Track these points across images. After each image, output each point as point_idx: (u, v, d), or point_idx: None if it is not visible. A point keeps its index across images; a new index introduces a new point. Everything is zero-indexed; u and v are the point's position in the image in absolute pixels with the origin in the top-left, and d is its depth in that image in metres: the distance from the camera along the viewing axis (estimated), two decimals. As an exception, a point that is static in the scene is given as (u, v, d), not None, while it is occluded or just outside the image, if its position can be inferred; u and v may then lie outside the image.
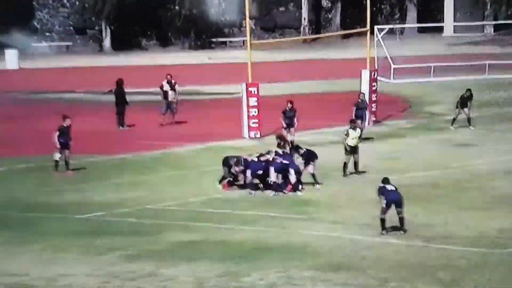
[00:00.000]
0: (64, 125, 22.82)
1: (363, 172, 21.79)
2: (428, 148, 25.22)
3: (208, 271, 14.82)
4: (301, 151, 20.59)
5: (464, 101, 28.08)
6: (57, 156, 22.55)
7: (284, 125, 25.10)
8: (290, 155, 20.61)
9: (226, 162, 20.77)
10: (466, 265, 15.02)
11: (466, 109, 28.00)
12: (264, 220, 18.10)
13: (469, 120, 28.11)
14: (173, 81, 29.95)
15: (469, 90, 28.42)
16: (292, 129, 24.98)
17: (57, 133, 22.58)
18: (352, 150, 21.50)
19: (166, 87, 29.76)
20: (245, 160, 20.51)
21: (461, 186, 20.49)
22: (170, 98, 29.62)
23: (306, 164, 20.46)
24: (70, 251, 16.25)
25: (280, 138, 21.59)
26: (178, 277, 14.61)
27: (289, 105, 25.46)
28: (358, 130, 21.83)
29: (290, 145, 22.25)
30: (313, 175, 20.51)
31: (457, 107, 28.21)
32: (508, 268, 14.82)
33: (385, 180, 17.02)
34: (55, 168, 22.56)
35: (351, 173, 21.50)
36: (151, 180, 21.70)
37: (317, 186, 20.46)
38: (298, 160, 20.43)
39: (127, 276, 14.72)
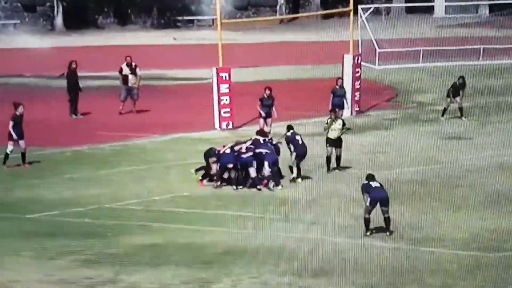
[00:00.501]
0: (17, 113, 22.80)
1: (347, 167, 22.00)
2: (416, 141, 25.47)
3: (174, 278, 14.92)
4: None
5: (457, 89, 28.38)
6: (9, 148, 22.53)
7: (263, 114, 25.21)
8: (271, 144, 20.64)
9: (208, 154, 20.73)
10: (457, 270, 15.28)
11: (458, 98, 28.31)
12: (236, 220, 18.22)
13: (461, 110, 28.44)
14: (133, 64, 29.66)
15: (462, 77, 28.72)
16: (269, 120, 25.08)
17: (12, 123, 22.54)
18: (333, 143, 21.68)
19: (126, 70, 29.52)
20: (218, 151, 20.59)
21: (452, 183, 20.76)
22: (130, 84, 29.40)
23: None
24: (20, 255, 16.27)
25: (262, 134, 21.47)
26: (140, 284, 14.70)
27: (267, 92, 25.57)
28: (340, 121, 21.96)
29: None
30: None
31: (448, 96, 28.50)
32: (502, 273, 15.09)
33: (370, 177, 17.23)
34: (4, 162, 22.51)
35: (333, 169, 21.70)
36: (109, 176, 21.72)
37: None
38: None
39: (83, 283, 14.78)
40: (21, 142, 22.59)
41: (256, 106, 25.47)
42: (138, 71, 29.71)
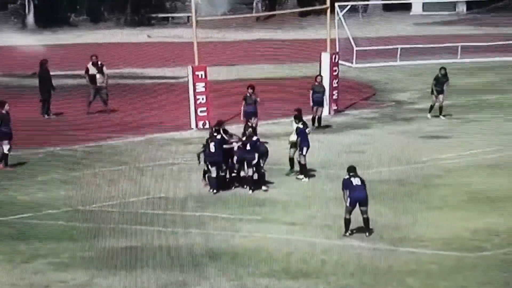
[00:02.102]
0: (3, 111, 22.65)
1: (324, 167, 21.98)
2: (394, 140, 25.54)
3: (150, 281, 14.84)
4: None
5: (440, 82, 28.32)
6: (6, 148, 22.41)
7: (242, 113, 25.08)
8: (255, 141, 20.33)
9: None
10: (437, 270, 15.31)
11: (441, 97, 28.36)
12: (214, 222, 18.17)
13: (440, 108, 28.53)
14: (99, 63, 29.55)
15: (443, 68, 28.73)
16: (254, 120, 24.78)
17: None
18: (294, 145, 21.16)
19: (93, 70, 29.35)
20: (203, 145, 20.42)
21: (431, 183, 20.81)
22: (98, 83, 29.24)
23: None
24: (-8, 258, 16.14)
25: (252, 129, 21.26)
26: (116, 287, 14.59)
27: (250, 90, 25.51)
28: (301, 123, 21.32)
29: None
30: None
31: (432, 93, 28.52)
32: (483, 274, 15.14)
33: (351, 169, 17.14)
34: (5, 163, 22.41)
35: (297, 172, 21.27)
36: (83, 178, 21.56)
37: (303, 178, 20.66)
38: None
39: (58, 286, 14.69)
40: (5, 143, 22.42)
41: (240, 105, 25.29)
42: (105, 69, 29.59)
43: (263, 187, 20.20)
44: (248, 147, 20.15)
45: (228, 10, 59.61)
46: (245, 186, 20.19)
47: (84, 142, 25.33)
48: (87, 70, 29.49)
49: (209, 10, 58.67)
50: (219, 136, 20.27)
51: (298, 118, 21.31)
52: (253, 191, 20.04)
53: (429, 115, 28.46)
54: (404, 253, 16.18)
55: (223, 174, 20.26)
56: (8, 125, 22.62)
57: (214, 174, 20.07)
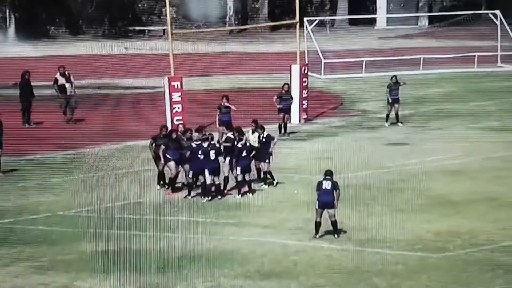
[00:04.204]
0: None
1: (294, 173, 21.99)
2: (361, 147, 25.59)
3: (128, 283, 14.72)
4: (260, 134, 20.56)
5: (393, 89, 28.49)
6: None
7: (218, 122, 25.00)
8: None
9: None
10: (402, 270, 15.34)
11: (397, 105, 28.55)
12: (190, 226, 18.09)
13: (397, 116, 28.70)
14: (67, 73, 29.55)
15: (394, 76, 28.99)
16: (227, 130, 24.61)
17: None
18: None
19: (61, 80, 29.37)
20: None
21: (396, 187, 20.88)
22: (68, 92, 29.27)
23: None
24: (-25, 261, 15.94)
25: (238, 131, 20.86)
26: (96, 289, 14.49)
27: (224, 100, 25.46)
28: (256, 134, 21.12)
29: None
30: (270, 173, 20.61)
31: (388, 103, 28.72)
32: (445, 273, 15.18)
33: (327, 173, 17.12)
34: None
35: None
36: (62, 184, 21.38)
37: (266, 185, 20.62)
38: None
39: (39, 289, 14.52)
40: None
41: (215, 114, 25.28)
42: (72, 79, 29.67)
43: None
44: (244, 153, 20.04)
45: (202, 24, 59.58)
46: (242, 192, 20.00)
47: (64, 150, 25.14)
48: (55, 81, 29.56)
49: (184, 23, 58.60)
50: (206, 144, 19.85)
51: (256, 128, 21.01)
52: (252, 193, 19.94)
53: (386, 124, 28.63)
54: (370, 253, 16.20)
55: (218, 182, 19.91)
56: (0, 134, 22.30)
57: (209, 181, 19.78)
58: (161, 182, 20.62)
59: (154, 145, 20.49)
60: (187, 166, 20.02)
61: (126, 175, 21.87)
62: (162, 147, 20.08)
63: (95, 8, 59.11)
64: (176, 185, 20.41)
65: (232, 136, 20.46)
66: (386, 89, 28.68)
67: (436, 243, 16.81)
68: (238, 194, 19.97)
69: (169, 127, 22.51)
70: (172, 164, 20.03)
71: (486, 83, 37.41)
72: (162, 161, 20.09)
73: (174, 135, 20.42)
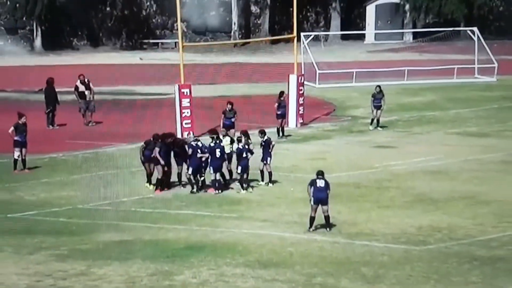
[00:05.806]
0: (20, 122, 22.30)
1: (291, 172, 21.83)
2: (351, 149, 25.49)
3: (140, 270, 14.56)
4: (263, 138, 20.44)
5: (377, 97, 28.35)
6: (16, 154, 22.05)
7: (221, 125, 24.81)
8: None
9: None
10: (388, 261, 15.19)
11: (379, 111, 28.47)
12: (196, 219, 17.93)
13: (378, 121, 28.64)
14: (86, 81, 29.57)
15: (378, 86, 28.88)
16: (232, 131, 24.49)
17: (13, 129, 22.16)
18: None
19: (81, 88, 29.43)
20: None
21: (382, 186, 20.75)
22: (87, 98, 29.29)
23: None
24: (1, 250, 15.77)
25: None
26: (110, 276, 14.30)
27: (229, 106, 25.38)
28: (228, 138, 20.82)
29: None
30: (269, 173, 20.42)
31: (372, 110, 28.65)
32: (427, 264, 15.03)
33: (319, 173, 16.98)
34: (14, 167, 22.06)
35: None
36: (82, 180, 21.23)
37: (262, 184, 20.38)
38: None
39: (58, 275, 14.33)
40: (23, 150, 22.11)
41: (220, 118, 25.15)
42: (91, 85, 29.67)
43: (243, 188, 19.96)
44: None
45: (210, 37, 59.51)
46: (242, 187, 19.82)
47: (83, 149, 25.01)
48: (76, 88, 29.55)
49: (193, 37, 58.51)
50: (213, 143, 19.88)
51: (247, 135, 20.47)
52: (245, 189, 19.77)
53: (370, 127, 28.61)
54: (359, 245, 16.05)
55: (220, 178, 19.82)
56: (22, 135, 22.25)
57: (217, 177, 19.73)
58: (150, 182, 20.37)
59: (144, 149, 20.36)
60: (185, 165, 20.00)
61: (139, 173, 21.71)
62: (157, 149, 19.94)
63: (114, 23, 59.20)
64: (182, 182, 20.30)
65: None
66: (371, 98, 28.66)
67: (419, 236, 16.67)
68: (216, 191, 19.73)
69: (176, 132, 22.27)
70: (159, 167, 19.89)
71: (464, 93, 37.36)
72: (162, 162, 19.92)
73: (169, 140, 20.30)
